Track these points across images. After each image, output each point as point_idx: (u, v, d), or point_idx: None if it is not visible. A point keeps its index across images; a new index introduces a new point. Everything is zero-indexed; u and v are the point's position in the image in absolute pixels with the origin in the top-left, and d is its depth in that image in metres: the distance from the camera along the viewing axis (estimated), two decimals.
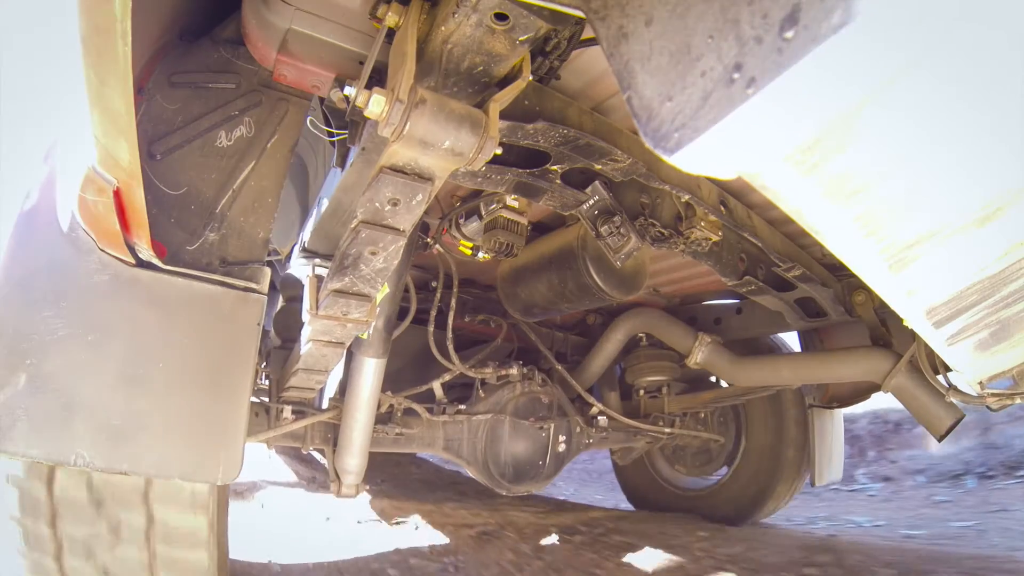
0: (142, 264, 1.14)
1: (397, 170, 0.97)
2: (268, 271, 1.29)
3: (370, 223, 1.06)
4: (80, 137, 0.90)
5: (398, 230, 1.09)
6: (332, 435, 2.05)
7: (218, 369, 1.20)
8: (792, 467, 2.89)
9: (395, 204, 1.02)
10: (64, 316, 1.09)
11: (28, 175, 1.27)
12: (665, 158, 0.55)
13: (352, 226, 1.09)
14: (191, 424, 1.16)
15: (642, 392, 3.11)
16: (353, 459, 1.98)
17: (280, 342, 2.12)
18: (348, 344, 1.43)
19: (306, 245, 1.86)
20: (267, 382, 2.00)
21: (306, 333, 1.38)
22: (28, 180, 1.26)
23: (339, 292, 1.20)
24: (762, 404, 2.99)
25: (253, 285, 1.24)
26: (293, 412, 1.93)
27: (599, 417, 2.83)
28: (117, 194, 0.94)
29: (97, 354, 1.11)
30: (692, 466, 3.34)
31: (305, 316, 1.29)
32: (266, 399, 1.95)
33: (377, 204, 1.01)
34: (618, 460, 3.47)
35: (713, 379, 3.18)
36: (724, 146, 0.53)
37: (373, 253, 1.13)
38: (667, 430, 2.98)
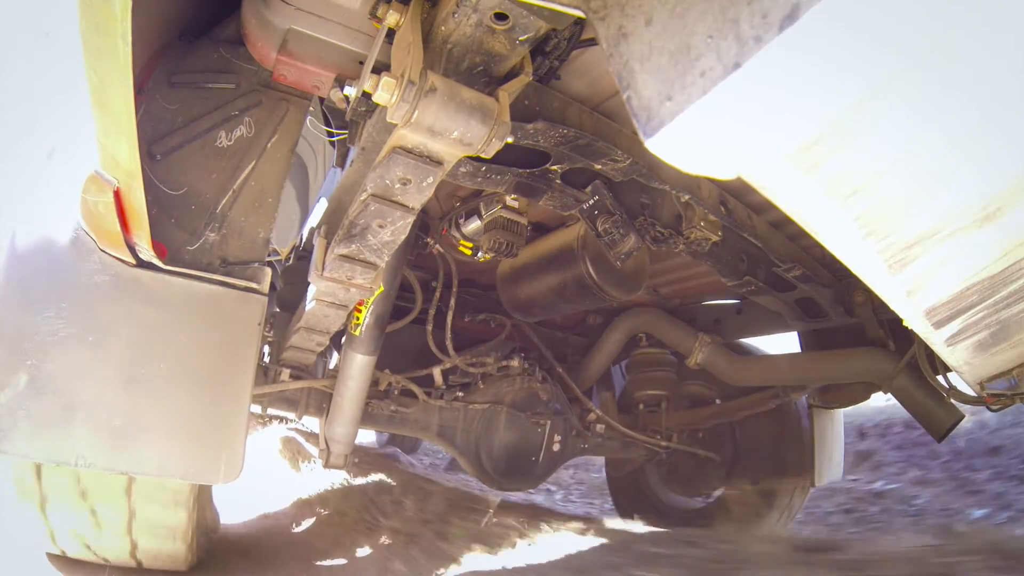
0: (143, 264, 1.14)
1: (408, 151, 0.96)
2: (269, 271, 1.29)
3: (380, 197, 1.06)
4: (81, 138, 0.90)
5: (407, 207, 1.08)
6: (326, 405, 2.07)
7: (219, 369, 1.20)
8: (785, 495, 2.83)
9: (405, 183, 1.02)
10: (65, 317, 1.09)
11: (29, 176, 1.27)
12: (664, 158, 0.55)
13: (362, 198, 1.08)
14: (192, 424, 1.16)
15: (642, 406, 3.12)
16: (342, 428, 1.99)
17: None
18: (351, 307, 1.45)
19: (304, 245, 1.87)
20: (267, 348, 2.02)
21: (311, 292, 1.40)
22: (29, 181, 1.26)
23: (345, 257, 1.21)
24: (758, 433, 2.94)
25: (254, 285, 1.24)
26: (291, 376, 1.96)
27: (596, 425, 2.83)
28: (117, 194, 0.94)
29: (98, 355, 1.11)
30: (685, 486, 3.30)
31: (311, 276, 1.31)
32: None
33: (387, 181, 1.01)
34: (612, 471, 3.45)
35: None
36: (723, 146, 0.53)
37: (381, 226, 1.13)
38: (663, 443, 2.97)
